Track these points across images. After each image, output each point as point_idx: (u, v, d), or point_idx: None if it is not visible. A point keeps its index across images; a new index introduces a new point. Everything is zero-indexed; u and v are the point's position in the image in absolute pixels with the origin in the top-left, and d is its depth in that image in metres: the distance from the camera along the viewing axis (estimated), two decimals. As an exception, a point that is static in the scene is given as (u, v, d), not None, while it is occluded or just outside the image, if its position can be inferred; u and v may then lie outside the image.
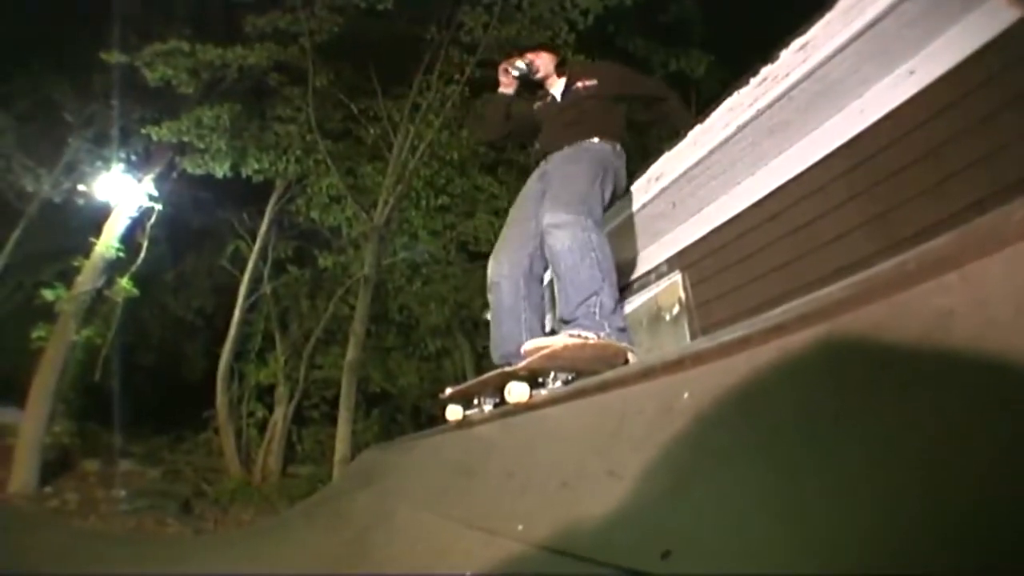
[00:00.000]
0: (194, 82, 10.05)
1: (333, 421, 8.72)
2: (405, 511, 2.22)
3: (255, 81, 10.65)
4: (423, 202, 10.44)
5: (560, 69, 3.42)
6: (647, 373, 1.39)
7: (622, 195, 3.42)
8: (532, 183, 3.21)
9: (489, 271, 3.08)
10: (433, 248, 9.92)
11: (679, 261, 4.47)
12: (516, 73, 3.33)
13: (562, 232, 2.70)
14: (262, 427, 9.31)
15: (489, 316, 3.22)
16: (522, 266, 2.97)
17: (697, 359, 1.19)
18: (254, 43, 9.91)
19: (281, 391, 9.31)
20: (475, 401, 2.75)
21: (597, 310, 2.58)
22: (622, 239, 4.30)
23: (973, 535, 0.57)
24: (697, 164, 3.72)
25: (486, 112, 3.71)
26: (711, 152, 3.60)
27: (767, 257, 3.62)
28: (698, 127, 3.58)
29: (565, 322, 2.62)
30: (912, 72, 2.88)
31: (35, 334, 8.85)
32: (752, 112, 3.26)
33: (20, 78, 12.19)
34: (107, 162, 10.67)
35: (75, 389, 9.25)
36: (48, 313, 8.90)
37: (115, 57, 9.97)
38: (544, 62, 3.36)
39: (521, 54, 3.40)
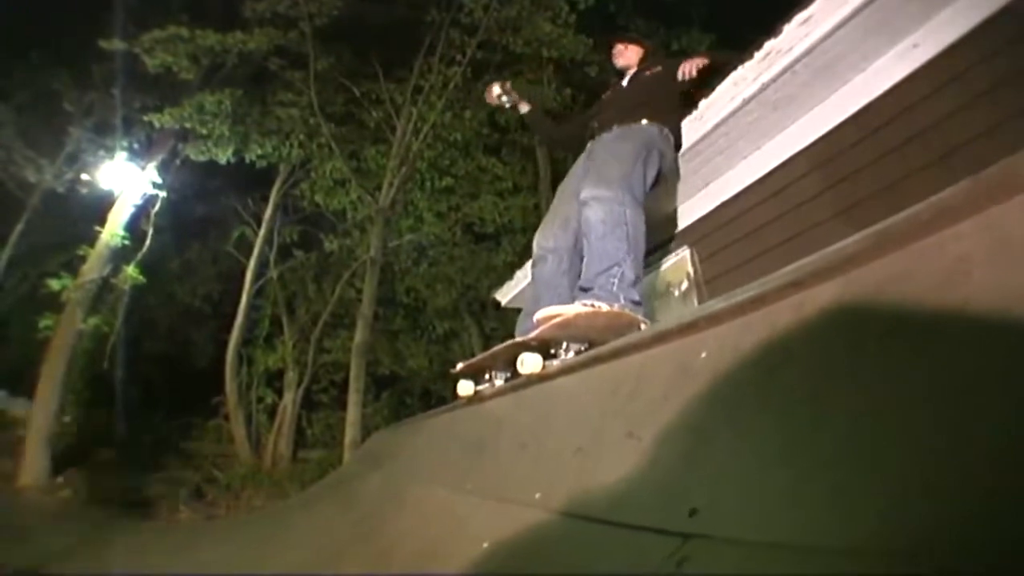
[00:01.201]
0: (195, 68, 10.03)
1: (343, 405, 8.75)
2: (418, 488, 2.21)
3: (256, 66, 10.62)
4: (427, 184, 10.43)
5: (643, 62, 3.50)
6: (663, 336, 1.37)
7: (671, 177, 3.42)
8: (581, 161, 3.25)
9: (535, 245, 3.11)
10: (438, 230, 9.90)
11: (687, 236, 4.47)
12: (507, 105, 3.56)
13: (598, 205, 2.73)
14: (272, 412, 9.36)
15: (529, 290, 3.28)
16: (567, 242, 2.98)
17: (713, 319, 1.17)
18: (254, 28, 9.85)
19: (290, 376, 9.35)
20: (486, 376, 2.74)
21: (616, 281, 2.60)
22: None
23: (995, 495, 0.56)
24: (702, 138, 3.71)
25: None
26: (716, 126, 3.59)
27: (774, 231, 3.62)
28: (703, 101, 3.58)
29: (583, 290, 2.64)
30: (916, 46, 2.87)
31: (42, 324, 8.87)
32: (757, 86, 3.26)
33: (18, 70, 12.17)
34: (109, 151, 10.66)
35: (84, 378, 9.29)
36: (54, 304, 8.92)
37: (114, 45, 9.91)
38: (627, 54, 3.52)
39: (503, 84, 3.59)
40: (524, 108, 3.61)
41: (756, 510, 0.80)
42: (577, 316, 2.31)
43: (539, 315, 2.35)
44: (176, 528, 7.46)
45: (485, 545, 1.31)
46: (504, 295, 7.69)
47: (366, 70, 10.64)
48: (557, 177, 11.50)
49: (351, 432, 7.94)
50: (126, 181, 9.86)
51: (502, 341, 2.31)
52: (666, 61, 3.50)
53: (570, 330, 2.31)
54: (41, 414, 8.63)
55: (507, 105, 3.59)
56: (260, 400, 9.40)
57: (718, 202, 4.15)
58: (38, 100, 12.14)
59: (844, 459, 0.73)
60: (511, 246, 10.23)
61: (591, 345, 2.29)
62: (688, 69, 3.19)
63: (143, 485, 8.70)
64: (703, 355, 1.12)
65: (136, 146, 10.81)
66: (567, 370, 1.97)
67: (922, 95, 2.80)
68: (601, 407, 1.44)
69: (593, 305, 2.38)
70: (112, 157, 10.37)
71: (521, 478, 1.52)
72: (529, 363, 2.19)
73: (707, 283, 4.23)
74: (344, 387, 9.02)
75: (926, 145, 2.73)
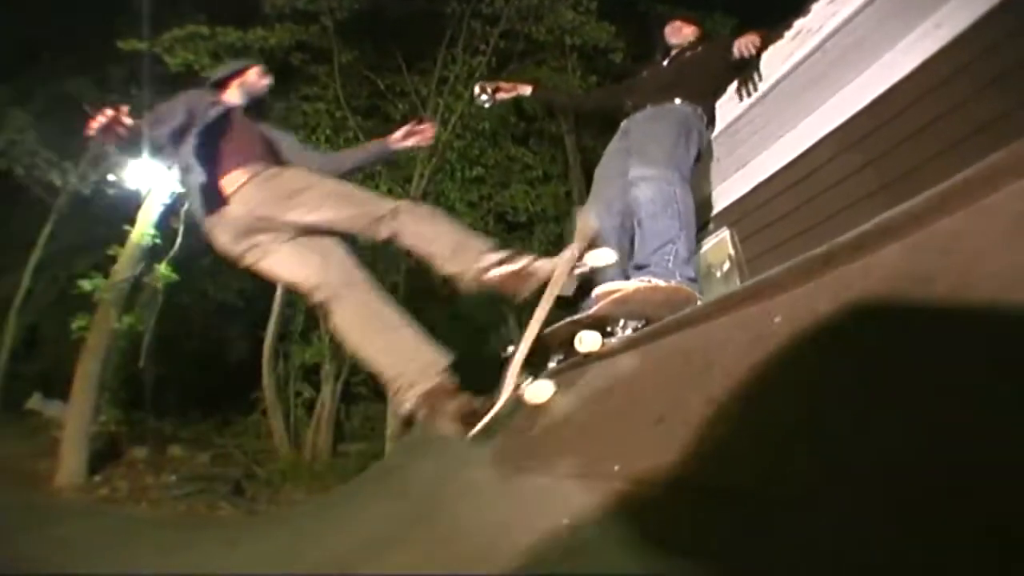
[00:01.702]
0: (216, 66, 9.96)
1: (381, 398, 8.71)
2: (481, 471, 2.14)
3: (278, 62, 10.58)
4: (457, 174, 10.39)
5: (694, 44, 3.52)
6: (729, 305, 1.39)
7: (706, 158, 3.44)
8: (615, 143, 3.29)
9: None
10: (471, 220, 9.86)
11: (725, 217, 4.50)
12: (486, 104, 3.67)
13: (647, 184, 2.77)
14: (310, 407, 9.30)
15: None
16: (613, 222, 3.03)
17: (781, 285, 1.20)
18: (274, 23, 9.84)
19: (327, 369, 9.29)
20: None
21: (671, 258, 2.64)
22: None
23: None
24: (739, 118, 3.82)
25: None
26: (751, 106, 3.69)
27: (813, 210, 3.68)
28: (736, 82, 3.61)
29: (639, 267, 2.68)
30: (938, 26, 2.89)
31: (75, 324, 8.83)
32: (789, 65, 3.37)
33: (34, 76, 12.16)
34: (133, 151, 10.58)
35: (119, 378, 9.26)
36: (85, 305, 8.87)
37: (132, 45, 9.89)
38: (684, 32, 3.54)
39: (481, 85, 3.67)
40: (526, 91, 3.65)
41: (842, 471, 0.79)
42: (636, 291, 2.34)
43: (598, 291, 2.38)
44: (217, 523, 7.41)
45: (565, 521, 1.28)
46: (543, 282, 7.63)
47: (389, 63, 10.63)
48: (587, 165, 11.50)
49: (393, 423, 7.92)
50: (153, 180, 9.79)
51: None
52: (707, 43, 3.56)
53: (628, 306, 2.34)
54: (77, 414, 8.58)
55: (486, 104, 3.67)
56: (298, 395, 9.35)
57: (755, 182, 4.24)
58: (56, 105, 12.12)
59: (919, 422, 0.71)
60: (544, 235, 10.20)
61: (648, 322, 2.30)
62: (745, 45, 3.20)
63: (182, 482, 8.64)
64: (776, 320, 1.14)
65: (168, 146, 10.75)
66: (631, 344, 1.97)
67: (946, 74, 2.87)
68: (676, 377, 1.43)
69: (650, 281, 2.42)
70: (139, 156, 10.31)
71: (597, 453, 1.49)
72: (588, 341, 2.20)
73: (749, 263, 4.24)
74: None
75: (959, 120, 2.77)
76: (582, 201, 10.78)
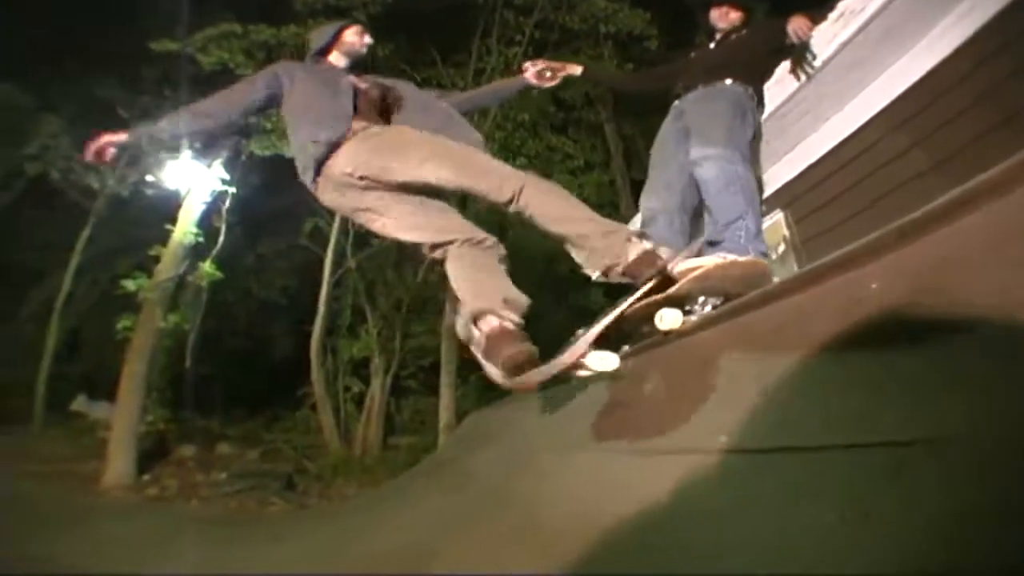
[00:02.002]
0: (250, 63, 9.98)
1: (431, 390, 8.69)
2: (551, 456, 2.06)
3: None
4: (500, 165, 10.24)
5: (740, 27, 3.52)
6: (819, 275, 1.37)
7: (758, 139, 3.48)
8: (669, 124, 3.32)
9: (642, 208, 3.24)
10: (516, 209, 9.83)
11: (778, 199, 4.51)
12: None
13: (710, 163, 2.82)
14: (359, 401, 9.28)
15: None
16: (674, 201, 3.08)
17: (875, 251, 1.20)
18: (306, 19, 9.84)
19: (377, 363, 9.26)
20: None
21: (743, 234, 2.68)
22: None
23: None
24: (787, 100, 3.78)
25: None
26: (799, 88, 3.65)
27: (866, 190, 3.68)
28: (784, 64, 3.62)
29: (712, 244, 2.69)
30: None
31: (120, 324, 8.85)
32: (834, 47, 3.34)
33: (64, 80, 12.24)
34: (171, 151, 10.66)
35: (165, 377, 9.29)
36: (128, 306, 8.90)
37: (165, 46, 9.90)
38: (731, 16, 3.51)
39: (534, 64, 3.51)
40: (576, 70, 3.62)
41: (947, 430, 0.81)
42: (716, 267, 2.31)
43: (679, 268, 2.34)
44: (268, 520, 7.37)
45: (662, 496, 1.25)
46: (595, 268, 7.62)
47: (424, 57, 10.60)
48: (628, 154, 11.47)
49: (446, 415, 7.88)
50: (193, 179, 9.81)
51: (590, 319, 2.25)
52: (753, 26, 3.55)
53: (709, 282, 2.31)
54: (124, 414, 8.58)
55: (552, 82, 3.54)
56: (347, 389, 9.33)
57: (806, 164, 4.24)
58: (88, 109, 12.20)
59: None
60: (588, 224, 10.12)
61: (726, 299, 2.30)
62: (800, 28, 3.18)
63: (232, 479, 8.63)
64: (873, 286, 1.14)
65: (198, 145, 10.80)
66: (716, 320, 1.92)
67: (995, 47, 2.86)
68: (774, 346, 1.41)
69: (726, 258, 2.39)
70: (177, 156, 10.36)
71: (699, 427, 1.45)
72: (669, 318, 2.19)
73: (804, 244, 4.24)
74: (432, 372, 8.96)
75: (1008, 95, 2.75)
76: (626, 190, 10.76)
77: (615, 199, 10.59)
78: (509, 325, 2.10)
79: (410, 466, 6.77)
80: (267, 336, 12.18)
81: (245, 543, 4.50)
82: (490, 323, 2.11)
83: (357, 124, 2.53)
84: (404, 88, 2.95)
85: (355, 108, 2.62)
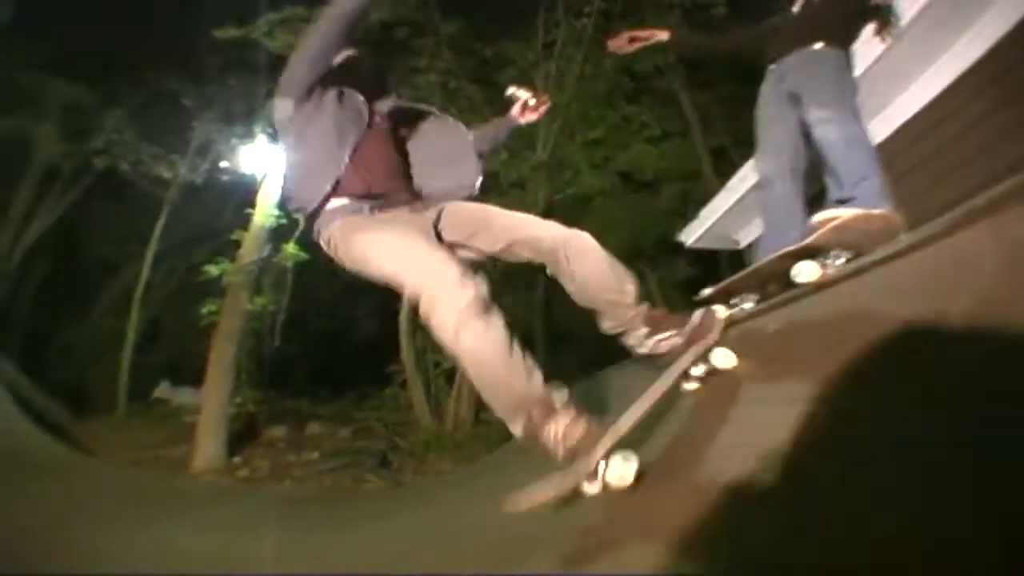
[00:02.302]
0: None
1: (523, 363, 8.59)
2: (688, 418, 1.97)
3: (379, 37, 10.57)
4: (577, 136, 10.32)
5: None
6: (982, 212, 1.32)
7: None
8: (769, 86, 3.28)
9: (759, 172, 3.25)
10: (597, 180, 9.78)
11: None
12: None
13: (828, 126, 2.82)
14: (449, 377, 9.25)
15: (762, 216, 3.32)
16: (787, 164, 3.08)
17: None
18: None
19: (467, 338, 9.25)
20: (732, 301, 2.73)
21: (872, 191, 2.66)
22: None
23: None
24: (876, 61, 3.79)
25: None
26: (888, 49, 3.68)
27: (954, 152, 3.69)
28: (871, 25, 3.52)
29: (842, 202, 2.68)
30: None
31: (205, 309, 8.95)
32: (916, 9, 3.41)
33: (127, 75, 12.34)
34: (242, 137, 10.76)
35: (253, 359, 9.37)
36: (209, 292, 8.98)
37: (229, 33, 9.91)
38: None
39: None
40: (663, 36, 3.50)
41: None
42: (854, 218, 2.35)
43: (817, 218, 2.40)
44: (364, 497, 7.39)
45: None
46: (689, 235, 7.55)
47: (491, 32, 10.53)
48: (705, 122, 11.33)
49: (539, 388, 7.80)
50: (268, 162, 9.88)
51: (676, 288, 2.17)
52: None
53: (845, 234, 2.33)
54: (213, 397, 8.68)
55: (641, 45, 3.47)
56: (436, 365, 9.29)
57: (896, 124, 4.25)
58: (152, 101, 12.31)
59: None
60: (670, 192, 10.08)
61: (857, 254, 2.28)
62: None
63: (325, 458, 8.68)
64: None
65: (269, 129, 10.87)
66: (860, 271, 1.89)
67: None
68: (935, 289, 1.36)
69: (864, 210, 2.43)
70: (251, 141, 10.45)
71: (857, 374, 1.37)
72: (807, 271, 2.22)
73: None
74: (524, 345, 8.82)
75: None
76: (707, 159, 10.65)
77: (696, 167, 10.49)
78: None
79: (503, 441, 6.73)
80: (351, 316, 12.23)
81: (345, 521, 4.53)
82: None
83: None
84: None
85: None
